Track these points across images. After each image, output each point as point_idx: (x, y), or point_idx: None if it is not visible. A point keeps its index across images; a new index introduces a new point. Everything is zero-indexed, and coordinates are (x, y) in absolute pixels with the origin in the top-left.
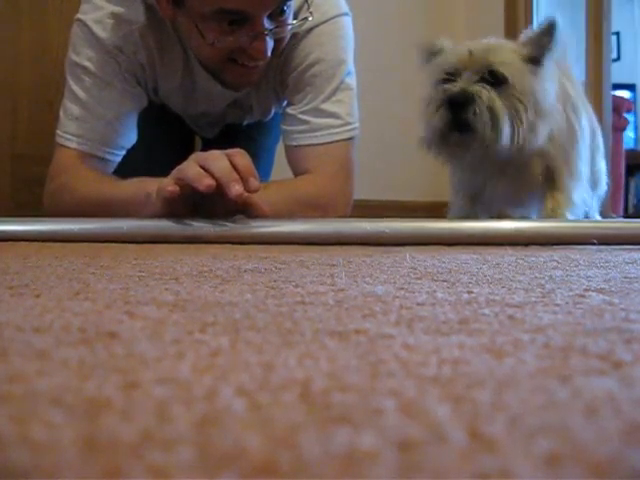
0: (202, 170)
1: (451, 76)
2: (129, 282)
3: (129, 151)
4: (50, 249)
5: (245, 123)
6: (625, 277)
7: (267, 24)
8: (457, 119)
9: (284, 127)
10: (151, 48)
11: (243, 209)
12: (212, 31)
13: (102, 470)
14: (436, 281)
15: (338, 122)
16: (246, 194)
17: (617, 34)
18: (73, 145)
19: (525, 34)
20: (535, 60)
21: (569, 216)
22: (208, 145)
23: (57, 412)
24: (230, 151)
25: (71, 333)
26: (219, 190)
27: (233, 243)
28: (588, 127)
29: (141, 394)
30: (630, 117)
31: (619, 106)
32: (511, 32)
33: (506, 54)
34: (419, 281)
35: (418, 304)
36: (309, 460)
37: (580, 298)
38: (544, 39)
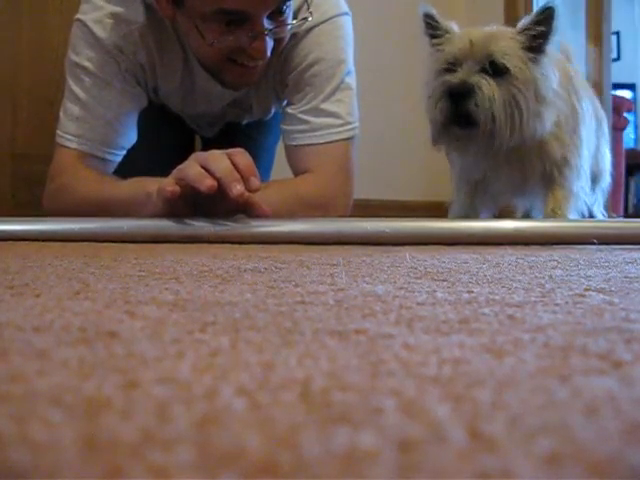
0: (203, 170)
1: (452, 66)
2: (129, 282)
3: (129, 151)
4: (50, 249)
5: (245, 122)
6: (625, 277)
7: (267, 24)
8: (458, 110)
9: (284, 127)
10: (151, 48)
11: (244, 209)
12: (212, 31)
13: (102, 470)
14: (436, 281)
15: (338, 122)
16: (247, 194)
17: (617, 34)
18: (73, 145)
19: (524, 21)
20: (536, 47)
21: (571, 211)
22: (208, 144)
23: (57, 412)
24: (231, 151)
25: (71, 333)
26: (220, 190)
27: (233, 243)
28: (591, 111)
29: (141, 394)
30: (630, 117)
31: (619, 106)
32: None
33: (507, 43)
34: (419, 281)
35: (418, 304)
36: (309, 460)
37: (580, 298)
38: (543, 26)
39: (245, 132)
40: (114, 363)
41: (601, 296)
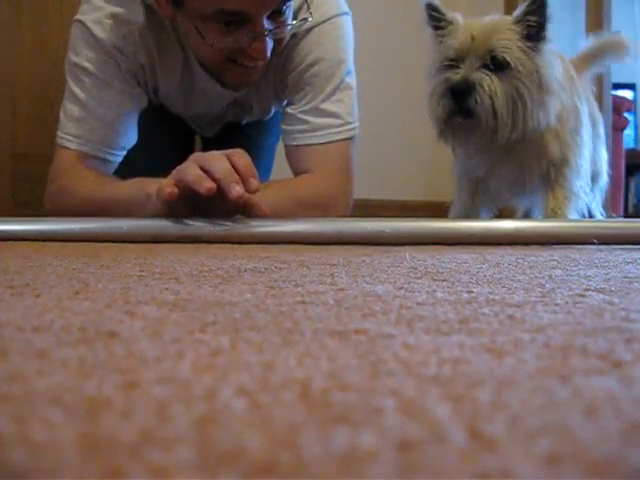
0: (202, 172)
1: (454, 62)
2: (129, 282)
3: (130, 151)
4: (50, 249)
5: (245, 122)
6: (625, 277)
7: (267, 24)
8: (459, 107)
9: (284, 127)
10: (150, 48)
11: (243, 209)
12: (212, 32)
13: (102, 470)
14: (436, 281)
15: (338, 122)
16: (246, 195)
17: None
18: (73, 146)
19: (517, 11)
20: (534, 35)
21: (571, 211)
22: (208, 144)
23: (57, 412)
24: (230, 151)
25: (71, 333)
26: (219, 191)
27: (233, 243)
28: (587, 112)
29: (141, 394)
30: (630, 117)
31: (619, 106)
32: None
33: (506, 35)
34: (419, 281)
35: (418, 304)
36: (309, 460)
37: (580, 298)
38: (536, 15)
39: (245, 132)
40: (114, 363)
41: (601, 296)
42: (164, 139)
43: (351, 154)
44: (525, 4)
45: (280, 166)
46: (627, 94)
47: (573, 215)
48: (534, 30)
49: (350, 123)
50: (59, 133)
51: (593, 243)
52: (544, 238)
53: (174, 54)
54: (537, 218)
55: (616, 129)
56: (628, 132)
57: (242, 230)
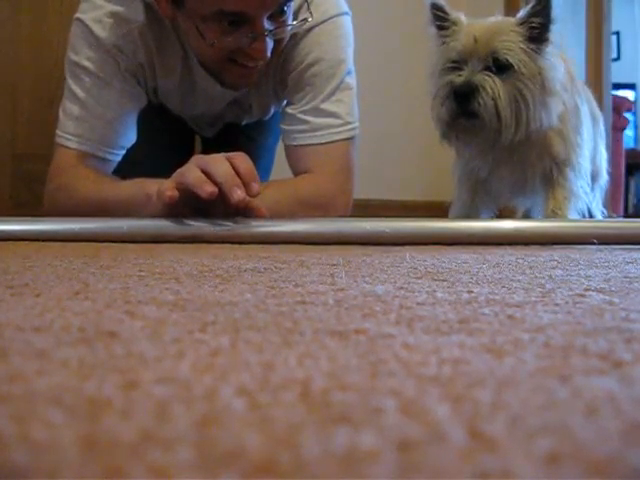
0: (203, 175)
1: (456, 64)
2: (129, 282)
3: (129, 150)
4: (50, 249)
5: (244, 123)
6: (625, 277)
7: (267, 25)
8: (463, 110)
9: (284, 127)
10: (150, 47)
11: (243, 212)
12: (212, 32)
13: (102, 470)
14: (436, 281)
15: (338, 122)
16: (248, 198)
17: (617, 34)
18: (73, 145)
19: (521, 13)
20: (538, 37)
21: (571, 211)
22: (208, 144)
23: (57, 412)
24: (231, 154)
25: (71, 333)
26: (220, 195)
27: (233, 243)
28: (588, 111)
29: (141, 394)
30: (630, 117)
31: (619, 106)
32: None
33: (509, 37)
34: (419, 281)
35: (418, 304)
36: (309, 460)
37: (580, 298)
38: (541, 17)
39: (245, 132)
40: (114, 363)
41: (601, 296)
42: (164, 139)
43: (351, 154)
44: (530, 5)
45: (280, 166)
46: (629, 94)
47: (573, 215)
48: (537, 32)
49: (350, 123)
50: (58, 132)
51: (593, 243)
52: (544, 238)
53: (174, 53)
54: (537, 218)
55: (616, 129)
56: (628, 132)
57: (242, 230)
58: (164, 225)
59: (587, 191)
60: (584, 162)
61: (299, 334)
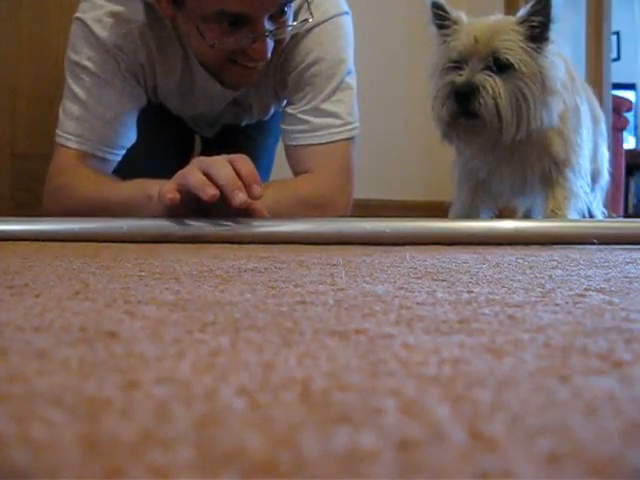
0: (205, 178)
1: (457, 63)
2: (129, 282)
3: (129, 150)
4: (50, 249)
5: (244, 124)
6: (625, 277)
7: (267, 25)
8: (463, 109)
9: (284, 127)
10: (150, 47)
11: (244, 214)
12: (212, 32)
13: (102, 470)
14: (436, 281)
15: (338, 122)
16: (249, 201)
17: (617, 34)
18: (73, 145)
19: (522, 12)
20: (538, 36)
21: (571, 211)
22: (208, 144)
23: (57, 412)
24: (233, 157)
25: (71, 333)
26: (222, 197)
27: (233, 243)
28: (588, 112)
29: (141, 394)
30: (630, 117)
31: (619, 106)
32: (511, 11)
33: (510, 37)
34: (419, 281)
35: (418, 304)
36: (309, 460)
37: (580, 298)
38: (541, 15)
39: (245, 132)
40: (114, 363)
41: (601, 296)
42: (164, 139)
43: (351, 154)
44: (530, 4)
45: (280, 166)
46: (629, 95)
47: (573, 215)
48: (538, 31)
49: (350, 123)
50: (58, 132)
51: (593, 243)
52: (544, 238)
53: (174, 53)
54: (537, 218)
55: (616, 129)
56: (629, 135)
57: (242, 230)
58: (164, 225)
59: (587, 191)
60: (584, 162)
61: (299, 334)
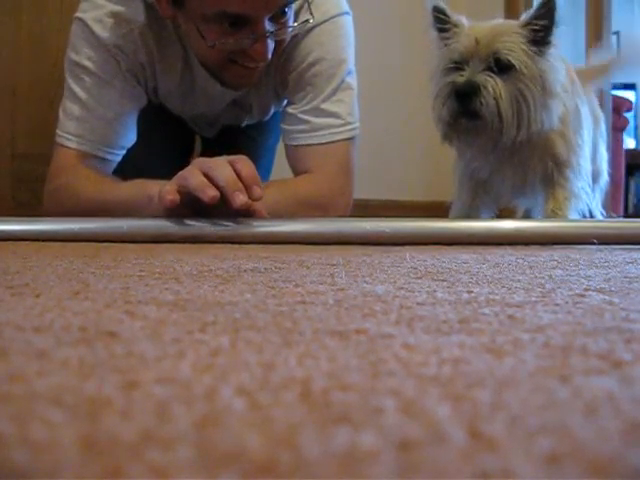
0: (205, 179)
1: (458, 64)
2: (129, 282)
3: (129, 150)
4: (50, 249)
5: (244, 124)
6: (625, 277)
7: (268, 26)
8: (464, 109)
9: (284, 126)
10: (151, 47)
11: (244, 214)
12: (213, 32)
13: (102, 470)
14: (436, 281)
15: (338, 122)
16: (249, 202)
17: (617, 34)
18: (73, 145)
19: (525, 15)
20: (540, 40)
21: (571, 212)
22: (208, 144)
23: (57, 412)
24: (233, 158)
25: (71, 333)
26: (222, 198)
27: (233, 243)
28: (589, 112)
29: (141, 394)
30: (630, 117)
31: (619, 106)
32: (511, 16)
33: (511, 39)
34: (419, 281)
35: (418, 304)
36: (309, 460)
37: (580, 298)
38: (545, 19)
39: (245, 132)
40: (114, 363)
41: (601, 296)
42: (164, 139)
43: (351, 154)
44: (534, 7)
45: (280, 166)
46: (629, 95)
47: (574, 216)
48: (540, 34)
49: (350, 123)
50: (58, 132)
51: (593, 243)
52: (544, 238)
53: (174, 53)
54: (537, 218)
55: (616, 129)
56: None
57: (242, 230)
58: (164, 225)
59: (588, 192)
60: (584, 163)
61: (299, 334)
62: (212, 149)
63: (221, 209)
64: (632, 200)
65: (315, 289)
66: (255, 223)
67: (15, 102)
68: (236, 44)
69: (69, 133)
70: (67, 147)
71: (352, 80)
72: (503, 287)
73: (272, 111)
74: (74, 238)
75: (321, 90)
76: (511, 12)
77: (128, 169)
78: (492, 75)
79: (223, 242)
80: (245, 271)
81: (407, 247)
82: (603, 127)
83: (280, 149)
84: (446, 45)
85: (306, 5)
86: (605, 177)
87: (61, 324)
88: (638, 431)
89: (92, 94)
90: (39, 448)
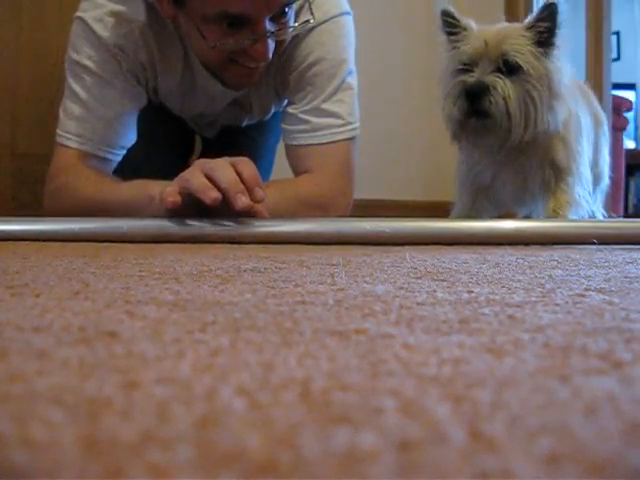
0: (207, 181)
1: (468, 66)
2: (129, 281)
3: (129, 150)
4: (50, 249)
5: (244, 124)
6: (625, 277)
7: (269, 26)
8: (474, 109)
9: (285, 126)
10: (151, 47)
11: (245, 214)
12: (213, 32)
13: (102, 470)
14: (436, 281)
15: (339, 122)
16: (251, 204)
17: (617, 34)
18: (73, 145)
19: (529, 18)
20: (545, 42)
21: (572, 213)
22: (208, 144)
23: (57, 412)
24: (235, 159)
25: (71, 333)
26: (224, 200)
27: (233, 243)
28: (589, 117)
29: (141, 394)
30: (630, 117)
31: (619, 106)
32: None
33: (518, 41)
34: (419, 281)
35: (418, 304)
36: (309, 460)
37: (580, 298)
38: (548, 22)
39: (246, 132)
40: (114, 363)
41: (601, 296)
42: (164, 139)
43: (352, 154)
44: (537, 10)
45: (280, 166)
46: (629, 95)
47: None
48: (545, 36)
49: (351, 123)
50: (59, 131)
51: (593, 243)
52: (544, 238)
53: (175, 52)
54: (537, 218)
55: (616, 129)
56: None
57: (243, 230)
58: (164, 225)
59: (588, 200)
60: (585, 170)
61: (299, 334)
62: (212, 149)
63: (223, 212)
64: (632, 200)
65: (315, 289)
66: (255, 223)
67: (15, 102)
68: (237, 44)
69: (69, 133)
70: (67, 147)
71: (353, 80)
72: (503, 287)
73: (272, 111)
74: (74, 238)
75: (322, 90)
76: (512, 15)
77: (128, 169)
78: (501, 76)
79: (223, 242)
80: (245, 271)
81: (407, 247)
82: (606, 129)
83: (280, 149)
84: (455, 48)
85: (307, 5)
86: (606, 180)
87: (61, 324)
88: (638, 431)
89: (92, 94)
90: (39, 448)
